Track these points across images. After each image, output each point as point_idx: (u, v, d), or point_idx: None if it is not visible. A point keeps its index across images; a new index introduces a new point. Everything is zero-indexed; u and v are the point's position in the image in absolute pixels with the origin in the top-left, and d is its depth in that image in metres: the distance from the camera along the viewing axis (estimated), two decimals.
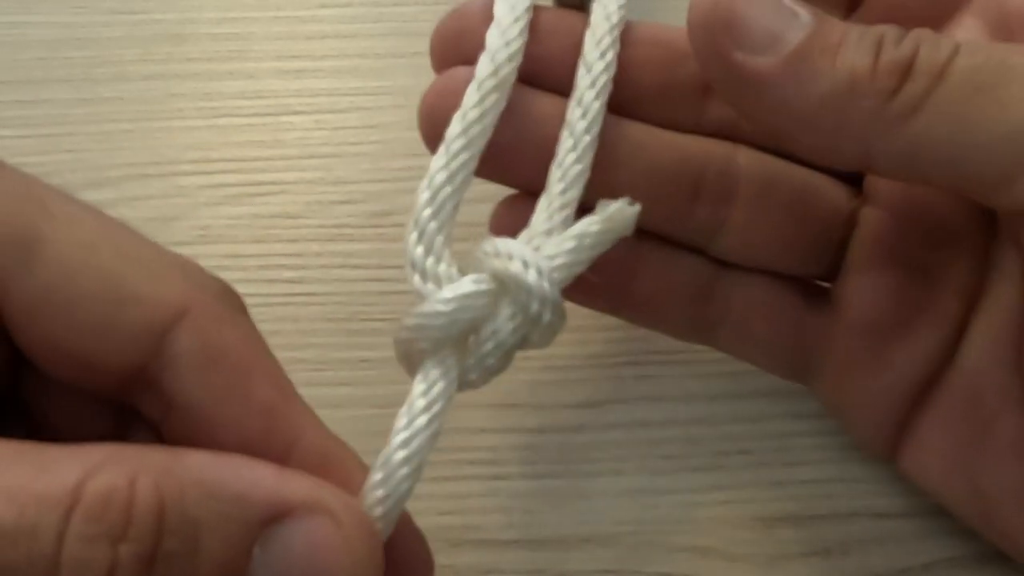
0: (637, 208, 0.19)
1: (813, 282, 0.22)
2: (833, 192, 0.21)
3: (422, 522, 0.21)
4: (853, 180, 0.21)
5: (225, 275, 0.25)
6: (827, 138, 0.17)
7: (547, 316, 0.17)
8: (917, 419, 0.20)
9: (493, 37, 0.19)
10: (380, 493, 0.16)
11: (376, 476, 0.16)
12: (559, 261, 0.18)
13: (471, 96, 0.19)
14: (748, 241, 0.21)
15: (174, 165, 0.26)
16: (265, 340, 0.16)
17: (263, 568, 0.13)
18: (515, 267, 0.17)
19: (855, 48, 0.17)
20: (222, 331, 0.15)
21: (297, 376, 0.23)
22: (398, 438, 0.16)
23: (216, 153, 0.27)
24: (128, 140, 0.27)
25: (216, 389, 0.15)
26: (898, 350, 0.20)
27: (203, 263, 0.25)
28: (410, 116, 0.28)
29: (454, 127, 0.18)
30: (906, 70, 0.16)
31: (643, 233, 0.20)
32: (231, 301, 0.16)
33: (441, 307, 0.17)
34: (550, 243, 0.18)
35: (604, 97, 0.19)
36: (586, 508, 0.21)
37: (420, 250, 0.17)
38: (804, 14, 0.17)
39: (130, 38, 0.29)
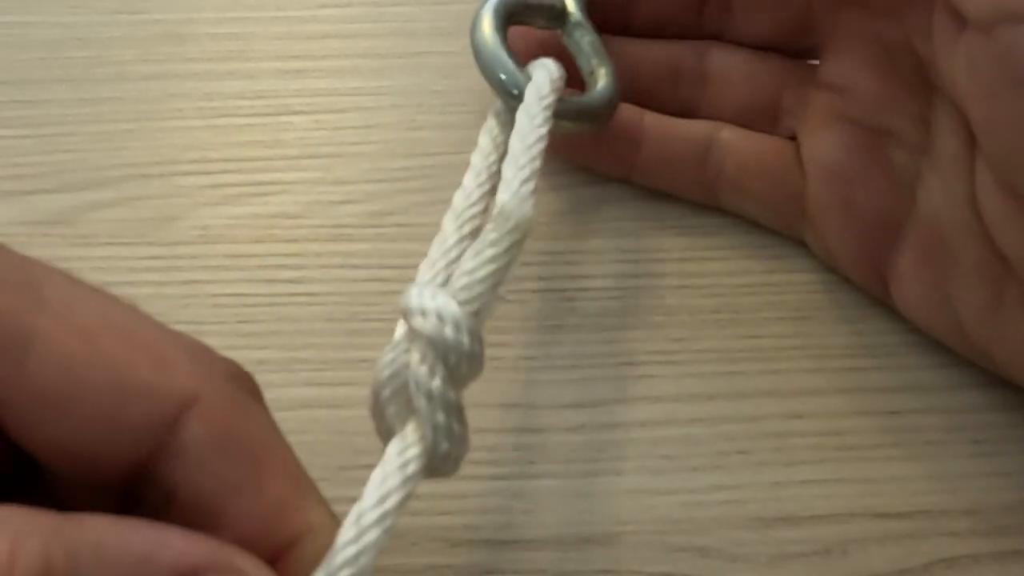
0: (529, 208, 0.19)
1: (791, 141, 0.25)
2: (791, 70, 0.25)
3: (422, 522, 0.21)
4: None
5: (225, 275, 0.25)
6: None
7: (468, 344, 0.16)
8: (894, 258, 0.23)
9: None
10: (350, 551, 0.15)
11: (347, 534, 0.15)
12: (472, 301, 0.17)
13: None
14: (722, 103, 0.25)
15: (174, 165, 0.26)
16: (278, 427, 0.16)
17: None
18: (414, 300, 0.16)
19: None
20: (233, 420, 0.15)
21: (297, 376, 0.23)
22: (372, 496, 0.15)
23: (216, 153, 0.27)
24: (128, 140, 0.27)
25: (225, 482, 0.14)
26: (860, 196, 0.23)
27: (203, 263, 0.25)
28: (410, 116, 0.28)
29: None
30: None
31: (643, 109, 0.25)
32: (243, 384, 0.16)
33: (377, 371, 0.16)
34: (458, 276, 0.17)
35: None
36: (586, 508, 0.21)
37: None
38: None
39: (130, 38, 0.29)
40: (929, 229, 0.22)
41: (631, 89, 0.25)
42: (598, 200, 0.26)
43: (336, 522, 0.15)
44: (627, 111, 0.25)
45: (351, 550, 0.15)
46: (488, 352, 0.23)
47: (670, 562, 0.21)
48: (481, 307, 0.17)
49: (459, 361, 0.16)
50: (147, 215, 0.25)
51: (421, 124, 0.28)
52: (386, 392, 0.16)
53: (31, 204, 0.26)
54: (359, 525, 0.15)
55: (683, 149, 0.25)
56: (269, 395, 0.22)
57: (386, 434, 0.16)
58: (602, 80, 0.24)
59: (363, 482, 0.22)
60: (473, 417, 0.23)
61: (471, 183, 0.21)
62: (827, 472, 0.22)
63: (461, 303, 0.16)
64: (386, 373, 0.16)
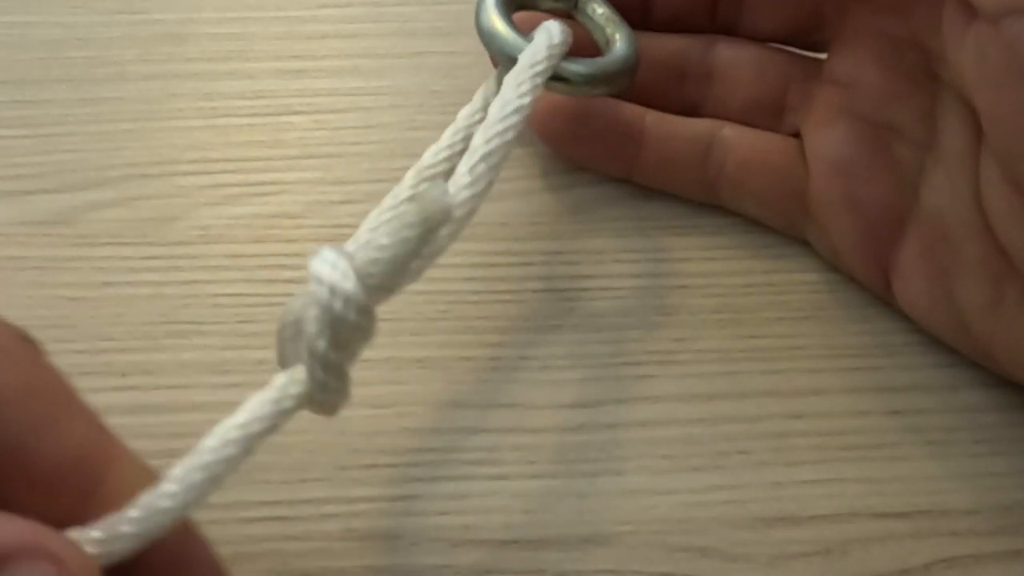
0: (445, 192, 0.19)
1: (793, 138, 0.25)
2: (798, 65, 0.25)
3: (422, 522, 0.21)
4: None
5: (225, 275, 0.25)
6: None
7: (354, 317, 0.17)
8: (897, 254, 0.23)
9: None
10: (207, 458, 0.16)
11: (210, 442, 0.16)
12: (367, 255, 0.18)
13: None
14: (728, 100, 0.26)
15: (174, 165, 0.26)
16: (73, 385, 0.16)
17: None
18: (318, 267, 0.17)
19: None
20: (31, 369, 0.16)
21: None
22: (242, 416, 0.17)
23: (216, 153, 0.27)
24: (128, 140, 0.27)
25: (30, 425, 0.15)
26: (864, 191, 0.23)
27: (203, 263, 0.25)
28: (410, 116, 0.28)
29: None
30: None
31: (645, 108, 0.25)
32: (34, 345, 0.16)
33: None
34: (368, 246, 0.18)
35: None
36: (586, 508, 0.21)
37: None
38: None
39: (130, 38, 0.29)
40: (932, 225, 0.22)
41: (638, 87, 0.25)
42: (598, 200, 0.26)
43: (137, 457, 0.16)
44: (628, 110, 0.25)
45: (208, 457, 0.16)
46: (488, 352, 0.24)
47: (670, 562, 0.21)
48: (383, 283, 0.18)
49: (344, 331, 0.17)
50: (147, 215, 0.25)
51: (421, 124, 0.28)
52: (286, 332, 0.17)
53: (31, 204, 0.26)
54: (222, 437, 0.16)
55: (684, 147, 0.25)
56: None
57: (282, 364, 0.18)
58: (619, 43, 0.24)
59: (363, 482, 0.22)
60: (473, 417, 0.23)
61: (444, 141, 0.21)
62: (828, 472, 0.22)
63: (361, 276, 0.17)
64: (289, 318, 0.17)
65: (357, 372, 0.23)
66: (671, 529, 0.21)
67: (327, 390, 0.17)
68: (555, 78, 0.23)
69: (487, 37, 0.23)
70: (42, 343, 0.17)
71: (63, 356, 0.17)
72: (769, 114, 0.25)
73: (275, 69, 0.29)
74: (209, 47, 0.29)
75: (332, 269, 0.17)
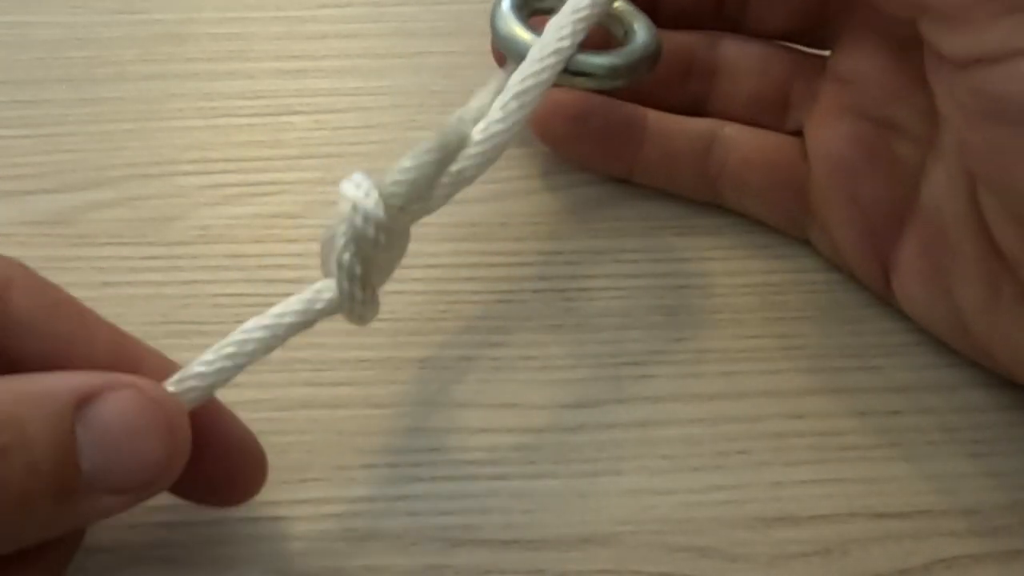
0: (461, 120, 0.21)
1: (796, 134, 0.25)
2: (802, 62, 0.25)
3: (422, 522, 0.21)
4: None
5: (225, 275, 0.25)
6: None
7: (373, 233, 0.19)
8: (896, 252, 0.23)
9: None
10: (238, 336, 0.18)
11: (246, 325, 0.19)
12: (391, 178, 0.19)
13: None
14: (732, 94, 0.26)
15: (174, 165, 0.26)
16: None
17: (87, 442, 0.16)
18: (344, 187, 0.19)
19: None
20: (49, 290, 0.18)
21: (297, 376, 0.23)
22: (277, 309, 0.19)
23: (216, 153, 0.27)
24: (128, 140, 0.27)
25: (60, 338, 0.17)
26: (865, 188, 0.23)
27: (203, 263, 0.25)
28: (410, 116, 0.28)
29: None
30: None
31: (646, 106, 0.25)
32: (39, 274, 0.18)
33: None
34: (392, 170, 0.20)
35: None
36: (586, 508, 0.21)
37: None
38: None
39: (130, 38, 0.29)
40: (931, 222, 0.22)
41: (643, 83, 0.25)
42: (598, 200, 0.26)
43: (162, 354, 0.19)
44: (628, 109, 0.25)
45: (239, 336, 0.18)
46: (488, 352, 0.24)
47: (670, 562, 0.21)
48: (407, 202, 0.19)
49: (366, 246, 0.19)
50: (147, 215, 0.25)
51: (421, 124, 0.28)
52: (325, 248, 0.19)
53: (31, 204, 0.26)
54: (256, 323, 0.18)
55: (685, 146, 0.25)
56: (269, 395, 0.23)
57: (325, 276, 0.19)
58: (639, 32, 0.24)
59: (363, 482, 0.22)
60: (473, 417, 0.23)
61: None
62: (827, 472, 0.22)
63: (384, 195, 0.19)
64: (327, 235, 0.19)
65: (357, 372, 0.23)
66: (671, 529, 0.21)
67: (354, 300, 0.19)
68: (578, 73, 0.23)
69: (505, 42, 0.23)
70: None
71: None
72: (773, 111, 0.25)
73: (275, 69, 0.29)
74: (209, 47, 0.29)
75: (356, 188, 0.19)
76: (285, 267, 0.25)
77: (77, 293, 0.24)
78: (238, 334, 0.18)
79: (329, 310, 0.19)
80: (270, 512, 0.21)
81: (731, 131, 0.25)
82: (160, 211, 0.26)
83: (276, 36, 0.29)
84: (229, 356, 0.18)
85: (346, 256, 0.19)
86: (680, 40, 0.26)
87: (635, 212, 0.26)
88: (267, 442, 0.20)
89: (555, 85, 0.22)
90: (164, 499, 0.19)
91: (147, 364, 0.18)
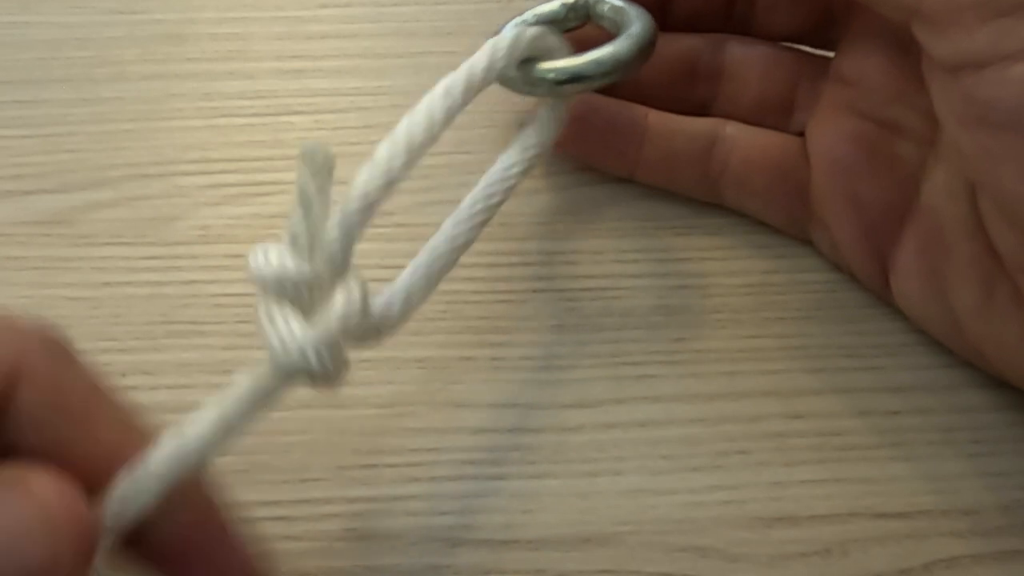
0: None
1: (800, 135, 0.25)
2: (807, 64, 0.26)
3: (422, 522, 0.21)
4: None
5: (225, 275, 0.25)
6: None
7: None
8: (896, 251, 0.23)
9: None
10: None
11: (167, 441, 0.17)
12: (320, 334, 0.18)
13: None
14: (738, 97, 0.26)
15: (174, 165, 0.26)
16: (99, 378, 0.17)
17: None
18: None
19: None
20: (58, 381, 0.16)
21: None
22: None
23: (216, 153, 0.27)
24: (128, 140, 0.27)
25: (61, 437, 0.16)
26: (866, 188, 0.24)
27: (203, 263, 0.25)
28: None
29: None
30: None
31: (647, 107, 0.26)
32: (58, 346, 0.17)
33: None
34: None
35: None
36: (586, 508, 0.21)
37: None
38: None
39: (130, 38, 0.29)
40: (929, 222, 0.22)
41: (648, 86, 0.25)
42: (598, 200, 0.26)
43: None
44: (631, 109, 0.25)
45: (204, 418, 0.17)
46: (488, 352, 0.24)
47: (670, 562, 0.21)
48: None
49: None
50: (147, 215, 0.25)
51: None
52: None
53: (31, 204, 0.26)
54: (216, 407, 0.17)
55: (687, 145, 0.25)
56: None
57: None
58: (634, 23, 0.24)
59: (363, 482, 0.22)
60: (473, 417, 0.23)
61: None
62: (827, 472, 0.22)
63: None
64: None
65: (357, 372, 0.23)
66: (671, 529, 0.21)
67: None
68: (572, 80, 0.22)
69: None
70: (66, 336, 0.17)
71: None
72: (778, 112, 0.25)
73: (275, 69, 0.29)
74: (209, 47, 0.29)
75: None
76: None
77: (77, 293, 0.24)
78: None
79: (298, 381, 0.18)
80: (270, 512, 0.21)
81: (732, 131, 0.25)
82: (160, 211, 0.26)
83: (276, 36, 0.29)
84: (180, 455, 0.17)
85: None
86: (685, 43, 0.26)
87: (635, 212, 0.26)
88: (268, 442, 0.20)
89: (547, 96, 0.22)
90: None
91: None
